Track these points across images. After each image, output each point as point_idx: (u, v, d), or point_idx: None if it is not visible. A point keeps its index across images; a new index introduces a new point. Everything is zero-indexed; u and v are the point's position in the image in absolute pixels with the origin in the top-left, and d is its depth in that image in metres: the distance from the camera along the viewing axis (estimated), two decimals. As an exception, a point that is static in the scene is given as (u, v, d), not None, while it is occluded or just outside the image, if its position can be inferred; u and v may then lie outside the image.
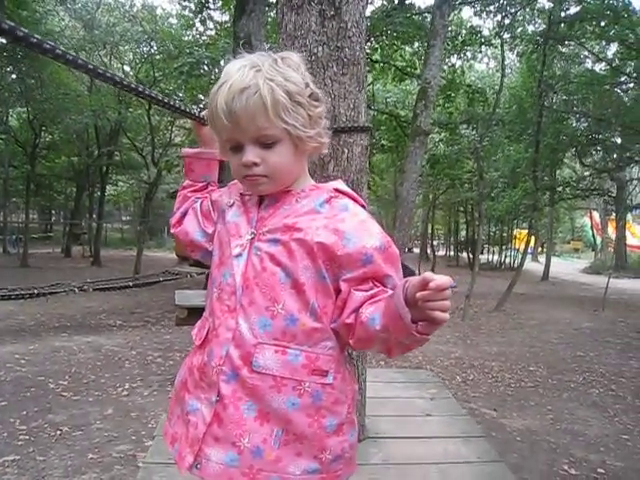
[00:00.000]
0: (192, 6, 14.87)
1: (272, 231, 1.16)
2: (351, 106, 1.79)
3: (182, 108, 1.45)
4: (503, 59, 12.35)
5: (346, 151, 1.80)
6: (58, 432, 3.98)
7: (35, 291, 7.69)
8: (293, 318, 1.14)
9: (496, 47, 14.02)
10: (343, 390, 1.21)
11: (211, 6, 16.25)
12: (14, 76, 15.89)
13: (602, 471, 3.75)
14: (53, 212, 38.67)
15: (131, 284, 9.25)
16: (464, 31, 13.83)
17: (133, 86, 1.23)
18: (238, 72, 1.08)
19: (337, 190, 1.20)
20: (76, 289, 7.92)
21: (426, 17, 11.82)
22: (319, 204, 1.17)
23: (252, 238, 1.18)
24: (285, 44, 1.76)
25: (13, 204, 32.15)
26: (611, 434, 4.45)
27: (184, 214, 1.45)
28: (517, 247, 26.56)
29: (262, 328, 1.14)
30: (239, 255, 1.18)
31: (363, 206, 1.22)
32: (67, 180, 26.75)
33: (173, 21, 19.20)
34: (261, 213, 1.20)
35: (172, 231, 1.48)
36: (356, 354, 1.90)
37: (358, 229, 1.13)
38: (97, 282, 9.08)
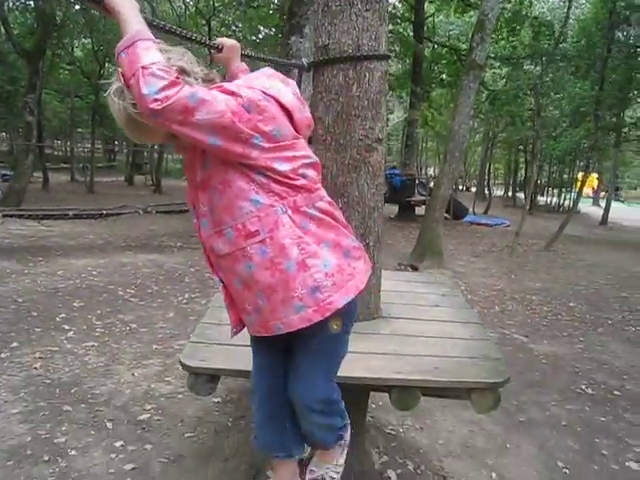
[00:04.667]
0: None
1: None
2: (372, 37, 2.14)
3: (197, 38, 1.74)
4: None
5: (367, 75, 2.15)
6: (128, 328, 4.59)
7: (104, 212, 8.37)
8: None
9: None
10: (284, 237, 1.43)
11: None
12: (77, 7, 16.22)
13: (618, 393, 3.99)
14: (116, 142, 40.01)
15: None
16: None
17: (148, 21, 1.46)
18: None
19: None
20: (140, 211, 8.56)
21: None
22: None
23: None
24: (314, -16, 2.09)
25: (79, 134, 33.54)
26: (638, 366, 4.61)
27: None
28: (578, 191, 25.63)
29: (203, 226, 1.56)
30: None
31: None
32: (130, 111, 27.60)
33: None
34: None
35: None
36: (372, 243, 2.33)
37: None
38: (159, 206, 9.72)
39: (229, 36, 17.36)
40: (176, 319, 4.97)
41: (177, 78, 1.28)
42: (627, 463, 3.00)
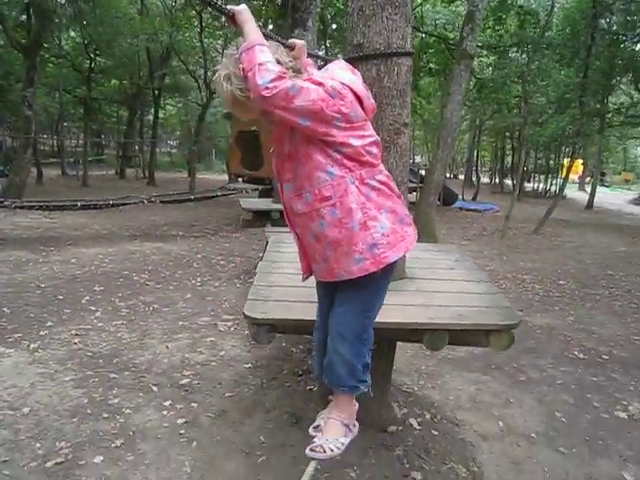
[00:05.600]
0: None
1: None
2: (400, 37, 2.54)
3: (275, 38, 2.03)
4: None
5: (396, 69, 2.56)
6: (151, 308, 4.90)
7: (110, 202, 8.60)
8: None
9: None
10: (351, 202, 1.78)
11: None
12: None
13: (607, 358, 4.38)
14: (102, 136, 39.79)
15: (192, 197, 10.12)
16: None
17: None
18: None
19: None
20: (145, 201, 8.80)
21: None
22: None
23: None
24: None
25: (64, 128, 33.25)
26: (623, 334, 5.02)
27: None
28: (565, 176, 26.16)
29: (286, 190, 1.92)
30: None
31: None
32: (118, 104, 27.47)
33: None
34: None
35: None
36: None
37: None
38: (162, 195, 9.97)
39: (221, 28, 17.56)
40: (194, 299, 5.28)
41: (284, 73, 1.64)
42: (616, 413, 3.39)
